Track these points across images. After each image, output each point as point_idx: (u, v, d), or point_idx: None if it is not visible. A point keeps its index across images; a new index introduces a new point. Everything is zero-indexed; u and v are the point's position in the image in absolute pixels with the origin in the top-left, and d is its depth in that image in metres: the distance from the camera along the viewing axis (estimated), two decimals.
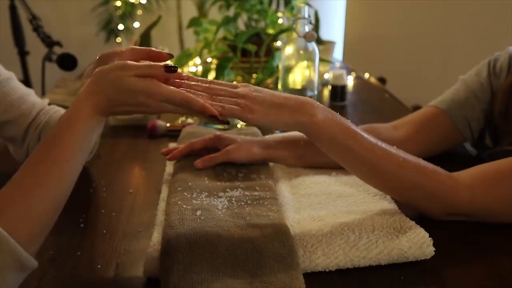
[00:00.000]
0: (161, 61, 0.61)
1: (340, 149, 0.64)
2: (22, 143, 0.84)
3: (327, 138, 0.63)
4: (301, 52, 1.09)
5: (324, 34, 1.66)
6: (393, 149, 0.66)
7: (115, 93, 0.56)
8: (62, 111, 0.85)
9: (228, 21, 1.35)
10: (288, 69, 1.11)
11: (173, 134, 1.03)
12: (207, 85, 0.62)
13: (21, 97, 0.82)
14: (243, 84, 0.65)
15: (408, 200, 0.67)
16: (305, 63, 1.09)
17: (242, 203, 0.67)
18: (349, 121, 0.65)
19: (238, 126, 1.10)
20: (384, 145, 0.66)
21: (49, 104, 0.88)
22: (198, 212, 0.63)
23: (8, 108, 0.81)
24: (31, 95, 0.85)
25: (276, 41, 1.37)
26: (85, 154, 0.56)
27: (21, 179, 0.53)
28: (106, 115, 0.58)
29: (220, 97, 0.61)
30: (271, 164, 0.84)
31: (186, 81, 0.61)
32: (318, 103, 0.64)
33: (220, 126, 1.11)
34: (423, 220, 0.65)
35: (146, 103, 0.56)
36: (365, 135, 0.65)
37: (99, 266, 0.60)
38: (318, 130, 0.62)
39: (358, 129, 0.65)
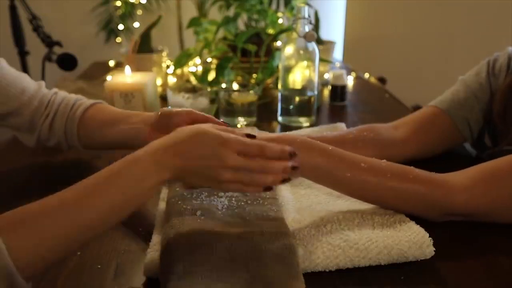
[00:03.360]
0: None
1: (327, 179, 0.66)
2: (31, 133, 0.84)
3: (309, 172, 0.65)
4: (301, 52, 1.09)
5: (324, 34, 1.66)
6: (377, 163, 0.67)
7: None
8: (68, 96, 0.86)
9: (228, 21, 1.35)
10: (288, 69, 1.11)
11: None
12: None
13: (16, 86, 0.81)
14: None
15: (405, 210, 0.66)
16: (305, 63, 1.09)
17: (242, 203, 0.67)
18: (331, 147, 0.66)
19: (238, 126, 1.10)
20: (369, 161, 0.66)
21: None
22: (198, 212, 0.63)
23: (5, 101, 0.80)
24: (24, 80, 0.83)
25: (276, 41, 1.38)
26: (126, 214, 0.54)
27: (50, 199, 0.50)
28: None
29: None
30: None
31: None
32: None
33: None
34: (423, 220, 0.65)
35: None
36: (346, 154, 0.66)
37: (99, 266, 0.60)
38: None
39: (339, 151, 0.66)
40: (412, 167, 0.67)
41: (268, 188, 0.57)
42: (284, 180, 0.58)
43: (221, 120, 0.73)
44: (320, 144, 0.66)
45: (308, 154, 0.64)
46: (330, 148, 0.66)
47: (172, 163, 0.55)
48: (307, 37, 1.07)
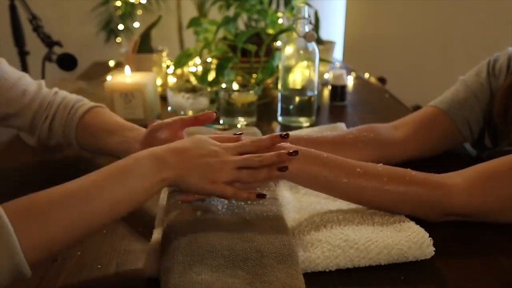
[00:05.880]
0: (206, 120, 0.72)
1: (324, 186, 0.66)
2: (32, 133, 0.87)
3: (306, 181, 0.66)
4: (301, 52, 1.09)
5: (324, 34, 1.66)
6: (373, 167, 0.66)
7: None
8: (68, 97, 0.87)
9: (228, 21, 1.35)
10: (288, 69, 1.11)
11: None
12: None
13: (17, 88, 0.82)
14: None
15: (403, 212, 0.66)
16: (305, 63, 1.09)
17: (242, 203, 0.67)
18: (326, 154, 0.66)
19: (238, 126, 1.10)
20: (365, 166, 0.66)
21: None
22: (198, 212, 0.63)
23: (7, 104, 0.82)
24: (25, 81, 0.85)
25: (276, 41, 1.38)
26: (128, 209, 0.55)
27: (57, 190, 0.52)
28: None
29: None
30: None
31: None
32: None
33: (220, 126, 1.11)
34: (423, 220, 0.65)
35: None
36: (341, 160, 0.66)
37: (99, 266, 0.60)
38: (295, 176, 0.65)
39: (334, 158, 0.66)
40: (408, 169, 0.67)
41: (261, 195, 0.62)
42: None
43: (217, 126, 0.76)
44: (315, 152, 0.66)
45: (303, 163, 0.64)
46: (325, 155, 0.66)
47: (173, 161, 0.58)
48: (307, 37, 1.07)
